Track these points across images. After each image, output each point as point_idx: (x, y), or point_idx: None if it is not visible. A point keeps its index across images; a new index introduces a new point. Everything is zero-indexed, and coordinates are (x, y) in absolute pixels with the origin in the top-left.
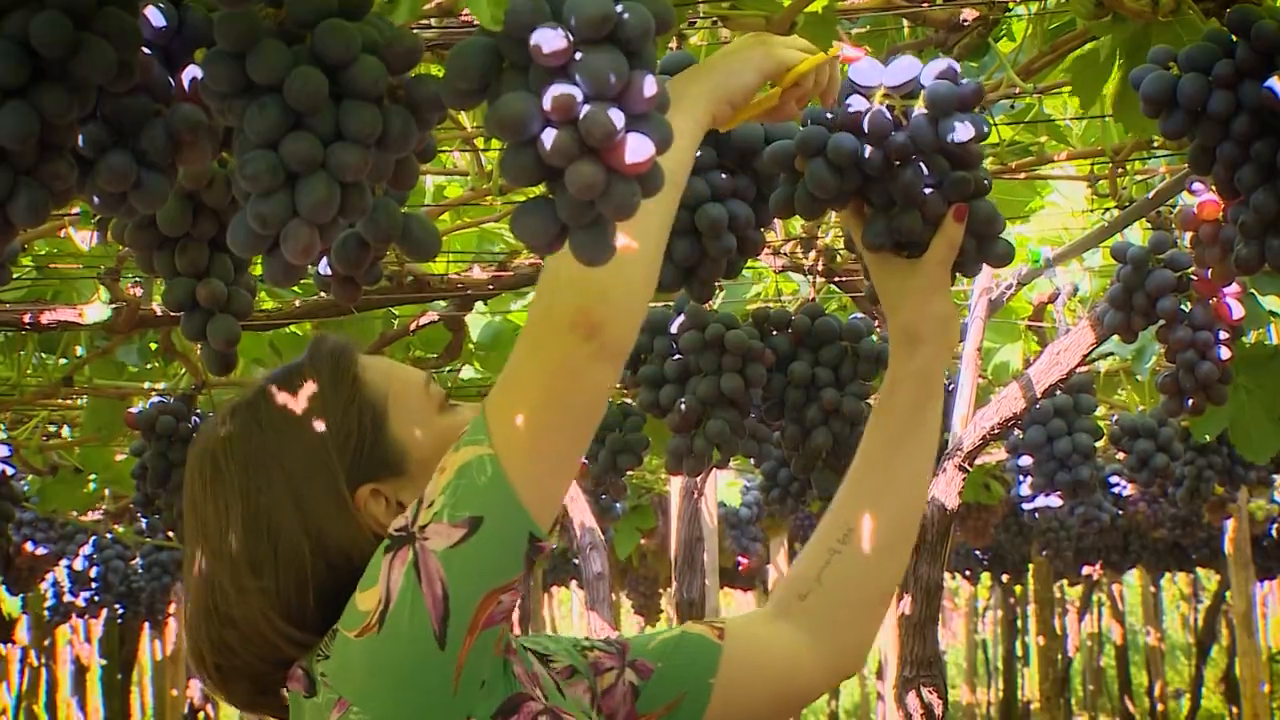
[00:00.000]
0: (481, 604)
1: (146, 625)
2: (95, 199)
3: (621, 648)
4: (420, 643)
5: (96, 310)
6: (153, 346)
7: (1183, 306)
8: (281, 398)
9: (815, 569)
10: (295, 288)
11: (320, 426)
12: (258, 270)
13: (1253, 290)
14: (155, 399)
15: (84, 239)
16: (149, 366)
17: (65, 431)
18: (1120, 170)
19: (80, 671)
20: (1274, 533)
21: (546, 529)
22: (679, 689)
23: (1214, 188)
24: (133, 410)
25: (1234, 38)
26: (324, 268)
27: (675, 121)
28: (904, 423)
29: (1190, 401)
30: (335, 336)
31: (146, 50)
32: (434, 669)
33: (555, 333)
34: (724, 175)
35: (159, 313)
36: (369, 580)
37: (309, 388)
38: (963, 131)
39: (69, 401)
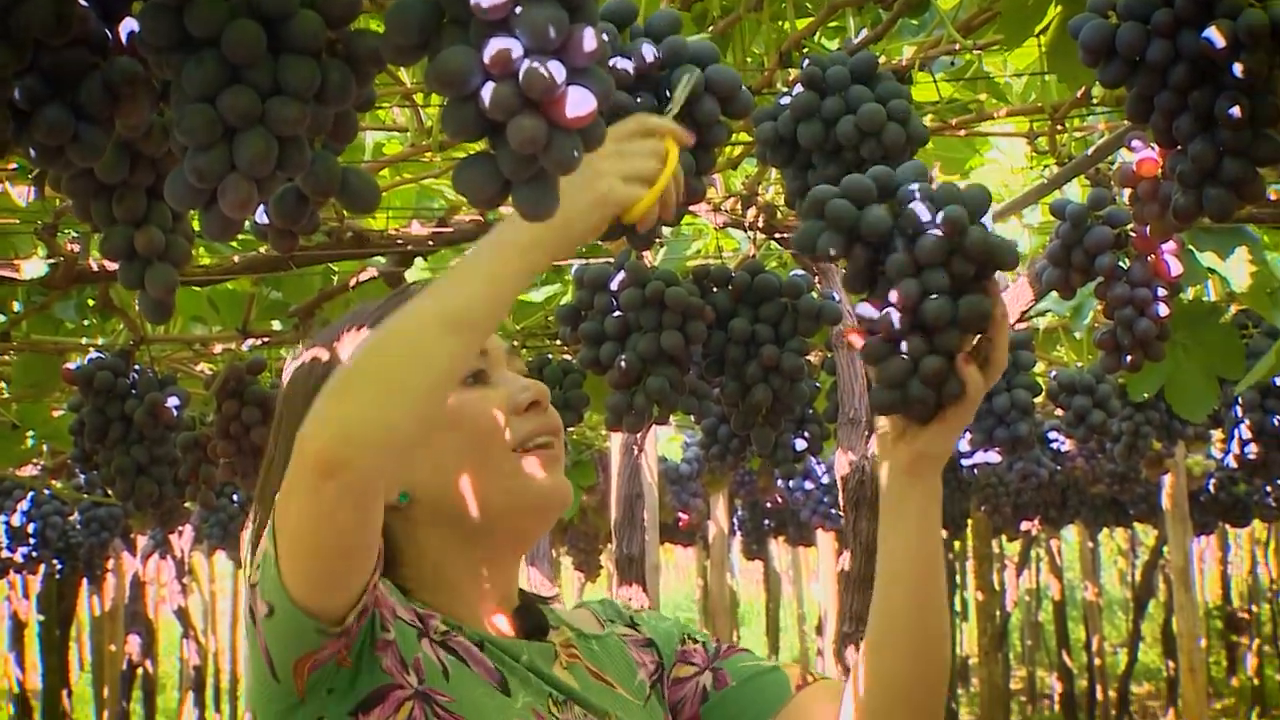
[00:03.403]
0: (296, 665)
1: (85, 581)
2: (32, 152)
3: (719, 653)
4: (261, 668)
5: (34, 266)
6: (90, 302)
7: (1121, 263)
8: (318, 350)
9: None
10: (234, 243)
11: (324, 377)
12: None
13: (1191, 247)
14: (93, 354)
15: (21, 194)
16: (86, 322)
17: (2, 386)
18: (1059, 127)
19: (18, 627)
20: (1211, 488)
21: (340, 616)
22: (740, 716)
23: (1152, 138)
24: (70, 366)
25: None
26: (261, 217)
27: (506, 265)
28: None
29: (1128, 358)
30: (419, 288)
31: (83, 3)
32: (276, 692)
33: (300, 469)
34: None
35: (96, 268)
36: None
37: (336, 346)
38: None
39: (6, 357)
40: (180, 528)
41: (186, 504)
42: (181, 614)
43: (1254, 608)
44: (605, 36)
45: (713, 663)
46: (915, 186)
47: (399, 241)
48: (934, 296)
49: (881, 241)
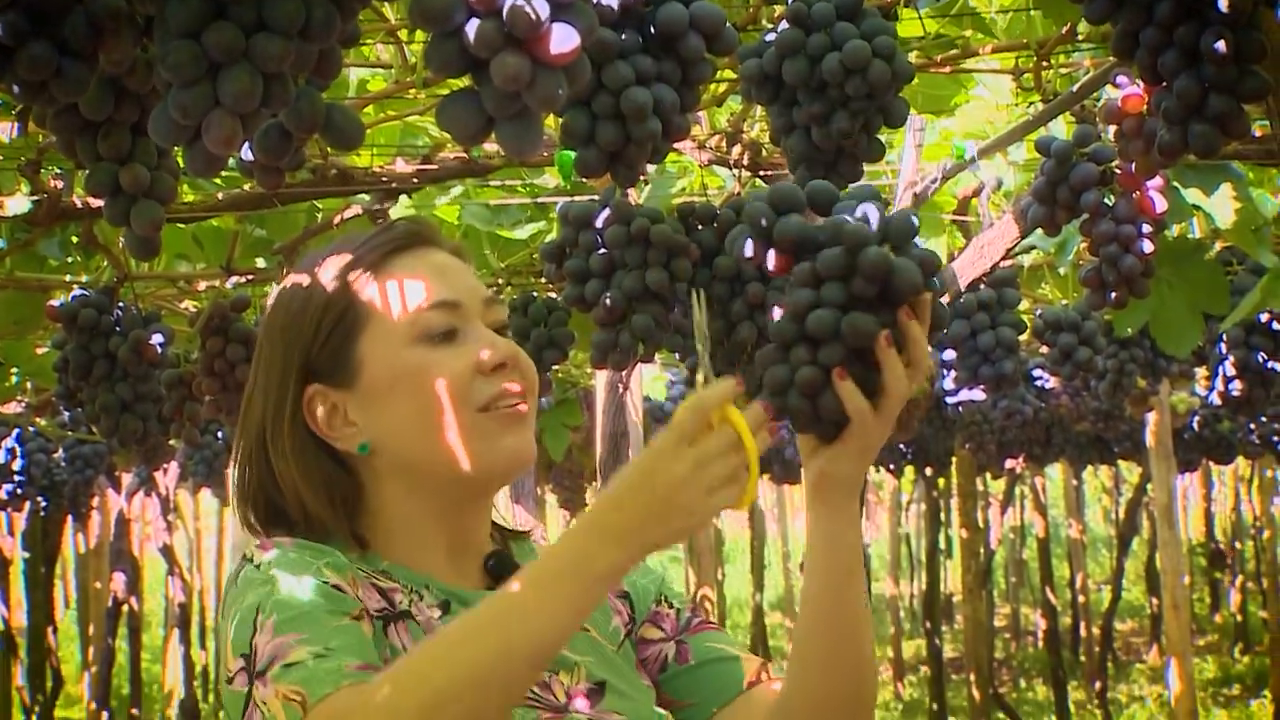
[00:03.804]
0: None
1: (69, 518)
2: (15, 88)
3: (689, 625)
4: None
5: (17, 202)
6: (74, 239)
7: (1106, 200)
8: (299, 275)
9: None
10: (218, 180)
11: (300, 312)
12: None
13: (1176, 184)
14: (77, 292)
15: (4, 130)
16: (70, 260)
17: None
18: (1045, 63)
19: (3, 564)
20: (1195, 425)
21: None
22: (690, 697)
23: (1137, 74)
24: (54, 303)
25: None
26: (246, 154)
27: (590, 598)
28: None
29: (1113, 295)
30: (405, 226)
31: None
32: None
33: None
34: (649, 59)
35: (81, 205)
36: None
37: (317, 273)
38: None
39: None
40: (165, 465)
41: (171, 441)
42: (166, 551)
43: (1237, 544)
44: None
45: (679, 634)
46: (849, 205)
47: (383, 179)
48: (822, 309)
49: (793, 249)
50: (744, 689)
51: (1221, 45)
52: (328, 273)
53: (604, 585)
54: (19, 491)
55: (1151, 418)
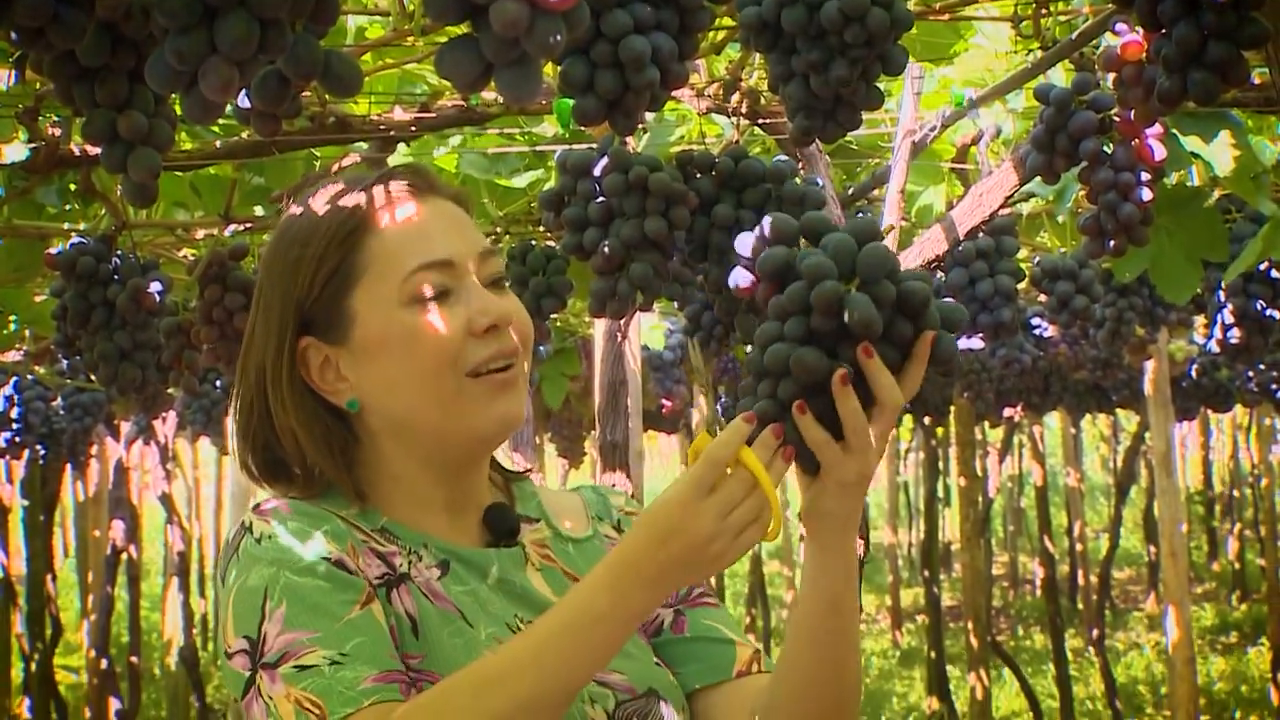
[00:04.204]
0: None
1: (68, 466)
2: (13, 34)
3: (689, 596)
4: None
5: (15, 150)
6: (72, 187)
7: (1105, 148)
8: (298, 214)
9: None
10: (216, 128)
11: (297, 261)
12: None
13: (1174, 131)
14: (75, 240)
15: (1, 77)
16: (68, 207)
17: None
18: (1044, 11)
19: (2, 512)
20: (1193, 373)
21: None
22: (677, 666)
23: (1136, 22)
24: (52, 251)
25: None
26: (244, 102)
27: (623, 637)
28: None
29: (1111, 243)
30: (405, 175)
31: None
32: None
33: None
34: (648, 8)
35: (78, 152)
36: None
37: (316, 214)
38: None
39: None
40: (164, 413)
41: (170, 390)
42: (165, 500)
43: (1235, 493)
44: None
45: (679, 603)
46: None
47: (381, 127)
48: (780, 343)
49: (778, 278)
50: (732, 676)
51: None
52: (326, 222)
53: (636, 623)
54: (18, 440)
55: (1150, 366)
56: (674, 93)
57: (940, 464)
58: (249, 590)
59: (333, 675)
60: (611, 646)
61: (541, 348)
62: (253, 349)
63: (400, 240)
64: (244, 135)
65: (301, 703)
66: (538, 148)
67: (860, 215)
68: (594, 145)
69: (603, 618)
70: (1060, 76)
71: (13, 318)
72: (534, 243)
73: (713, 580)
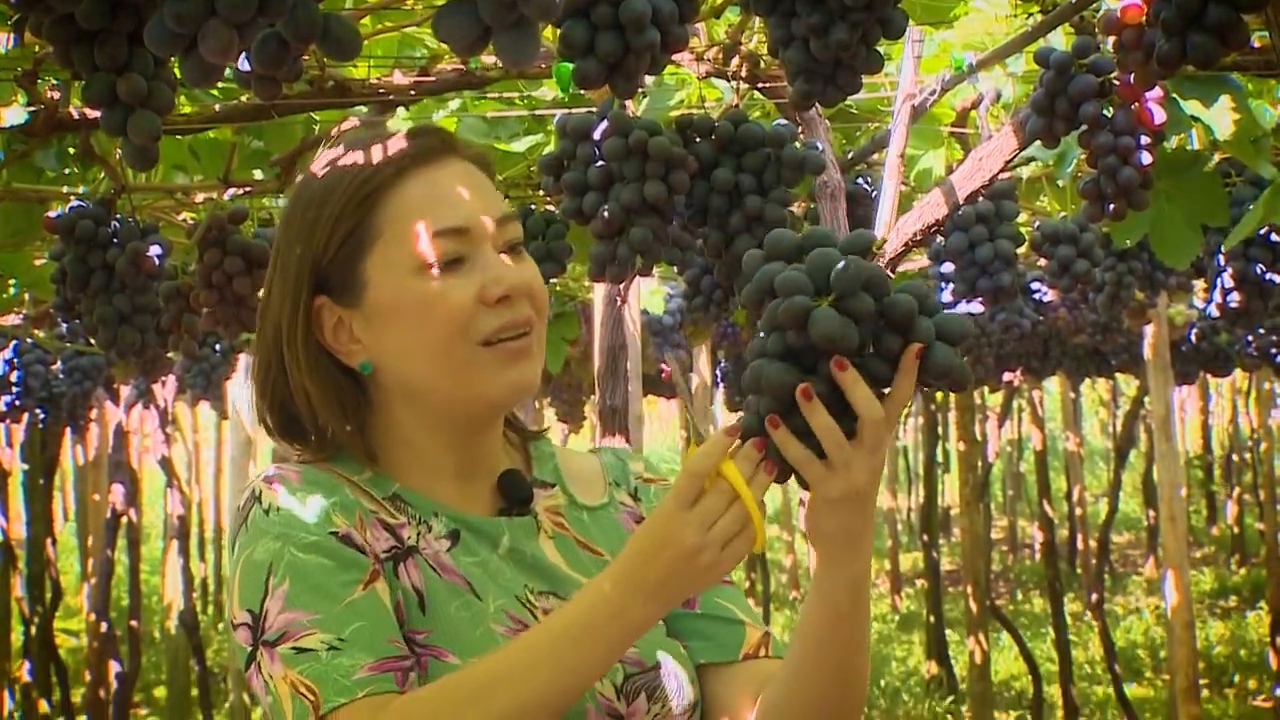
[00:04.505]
0: None
1: (68, 430)
2: None
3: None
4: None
5: (14, 113)
6: (71, 151)
7: (1105, 112)
8: (320, 170)
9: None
10: (215, 91)
11: (315, 221)
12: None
13: (1174, 95)
14: (74, 203)
15: (0, 40)
16: (68, 171)
17: None
18: None
19: (2, 476)
20: (1193, 338)
21: None
22: (684, 639)
23: None
24: (51, 214)
25: None
26: (243, 64)
27: (626, 641)
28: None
29: (1111, 207)
30: (425, 136)
31: None
32: None
33: None
34: None
35: (78, 116)
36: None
37: (339, 175)
38: None
39: None
40: (163, 377)
41: (169, 354)
42: (165, 464)
43: (1234, 457)
44: None
45: None
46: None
47: (381, 90)
48: (760, 358)
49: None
50: (739, 658)
51: None
52: (344, 183)
53: (638, 634)
54: (17, 403)
55: (1149, 330)
56: (674, 56)
57: (939, 429)
58: (254, 564)
59: (329, 662)
60: (611, 656)
61: None
62: (269, 308)
63: (416, 206)
64: (243, 99)
65: (297, 686)
66: (537, 112)
67: (859, 231)
68: (594, 109)
69: (603, 628)
70: (1060, 40)
71: (12, 281)
72: (533, 207)
73: None
